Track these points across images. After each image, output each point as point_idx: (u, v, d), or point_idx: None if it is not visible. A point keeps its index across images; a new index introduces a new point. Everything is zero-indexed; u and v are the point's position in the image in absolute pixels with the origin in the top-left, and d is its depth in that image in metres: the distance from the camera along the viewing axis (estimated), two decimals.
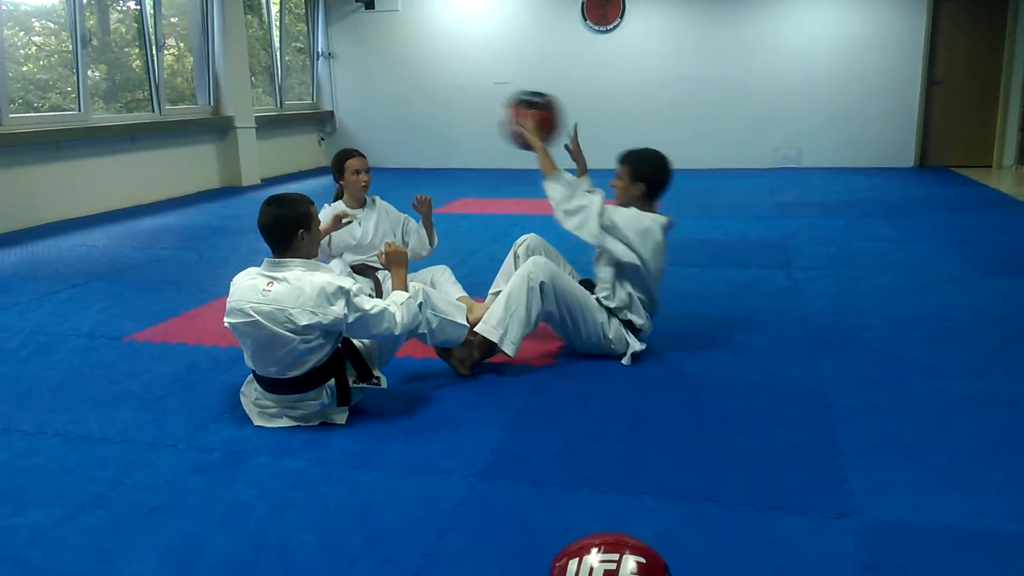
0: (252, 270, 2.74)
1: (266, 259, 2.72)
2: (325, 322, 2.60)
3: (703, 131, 10.27)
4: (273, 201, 2.73)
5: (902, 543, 2.00)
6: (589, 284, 3.41)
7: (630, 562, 1.55)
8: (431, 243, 3.98)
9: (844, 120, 9.95)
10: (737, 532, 2.07)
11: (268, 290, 2.63)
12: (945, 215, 6.63)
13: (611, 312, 3.26)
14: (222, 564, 1.97)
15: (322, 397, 2.71)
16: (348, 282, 2.67)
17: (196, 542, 2.06)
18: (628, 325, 3.27)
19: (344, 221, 3.64)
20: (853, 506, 2.17)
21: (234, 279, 2.76)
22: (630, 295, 3.25)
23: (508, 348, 3.11)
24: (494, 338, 3.10)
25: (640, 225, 3.19)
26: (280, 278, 2.64)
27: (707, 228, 6.27)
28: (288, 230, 2.68)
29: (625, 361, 3.24)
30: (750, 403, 2.88)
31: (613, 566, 1.55)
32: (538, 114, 3.36)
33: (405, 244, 3.96)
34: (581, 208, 3.19)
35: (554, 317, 3.23)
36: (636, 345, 3.26)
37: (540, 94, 3.48)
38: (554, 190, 3.25)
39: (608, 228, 3.17)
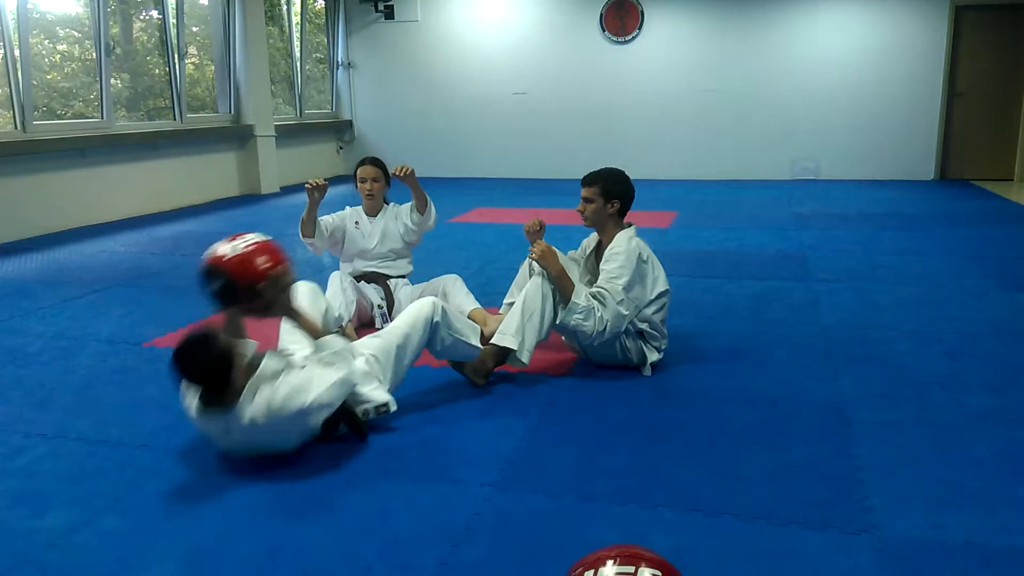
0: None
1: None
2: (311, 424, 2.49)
3: (722, 142, 10.25)
4: (183, 352, 2.39)
5: (922, 560, 1.98)
6: None
7: (646, 574, 1.54)
8: (423, 208, 3.90)
9: (864, 132, 9.90)
10: (754, 546, 2.05)
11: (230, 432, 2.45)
12: (965, 229, 6.57)
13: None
14: (239, 570, 1.98)
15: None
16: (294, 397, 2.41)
17: (214, 548, 2.07)
18: (642, 336, 3.26)
19: (306, 186, 3.69)
20: (872, 522, 2.15)
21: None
22: (650, 318, 3.23)
23: (524, 356, 3.11)
24: (513, 346, 3.10)
25: (634, 264, 3.14)
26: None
27: (725, 239, 6.25)
28: (220, 373, 2.39)
29: (646, 372, 3.23)
30: (768, 416, 2.87)
31: None
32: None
33: (411, 229, 3.93)
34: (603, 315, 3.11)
35: (568, 329, 3.22)
36: (653, 356, 3.25)
37: None
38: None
39: (624, 311, 3.12)
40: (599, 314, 3.09)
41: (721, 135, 10.26)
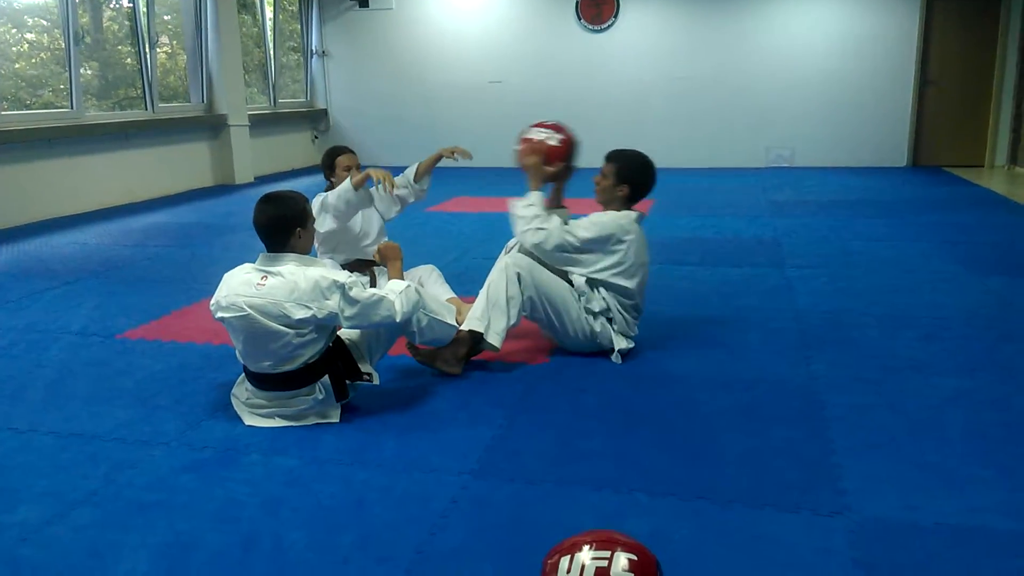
0: (246, 265, 2.74)
1: (260, 254, 2.72)
2: (320, 316, 2.60)
3: (697, 131, 10.28)
4: (270, 199, 2.74)
5: (894, 540, 2.00)
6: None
7: (621, 559, 1.55)
8: (421, 182, 3.98)
9: (837, 120, 9.97)
10: (729, 529, 2.07)
11: (262, 284, 2.63)
12: (937, 215, 6.65)
13: (593, 313, 3.26)
14: (214, 562, 1.97)
15: (315, 393, 2.71)
16: (343, 275, 2.67)
17: (188, 540, 2.06)
18: (609, 320, 3.27)
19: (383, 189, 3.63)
20: (846, 504, 2.17)
21: (225, 275, 2.75)
22: (605, 300, 3.24)
23: (493, 339, 3.11)
24: (480, 328, 3.11)
25: (604, 232, 3.19)
26: (275, 272, 2.64)
27: (700, 227, 6.28)
28: (284, 228, 2.69)
29: (615, 359, 3.24)
30: (743, 401, 2.89)
31: (605, 563, 1.55)
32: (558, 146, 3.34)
33: (401, 198, 3.96)
34: (543, 228, 3.18)
35: (538, 312, 3.22)
36: (622, 343, 3.26)
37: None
38: (525, 207, 3.24)
39: (566, 248, 3.18)
40: (540, 225, 3.16)
41: (697, 123, 10.30)
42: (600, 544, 1.59)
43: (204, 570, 1.93)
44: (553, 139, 3.35)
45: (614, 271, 3.21)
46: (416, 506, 2.21)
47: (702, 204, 7.41)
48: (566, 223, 3.26)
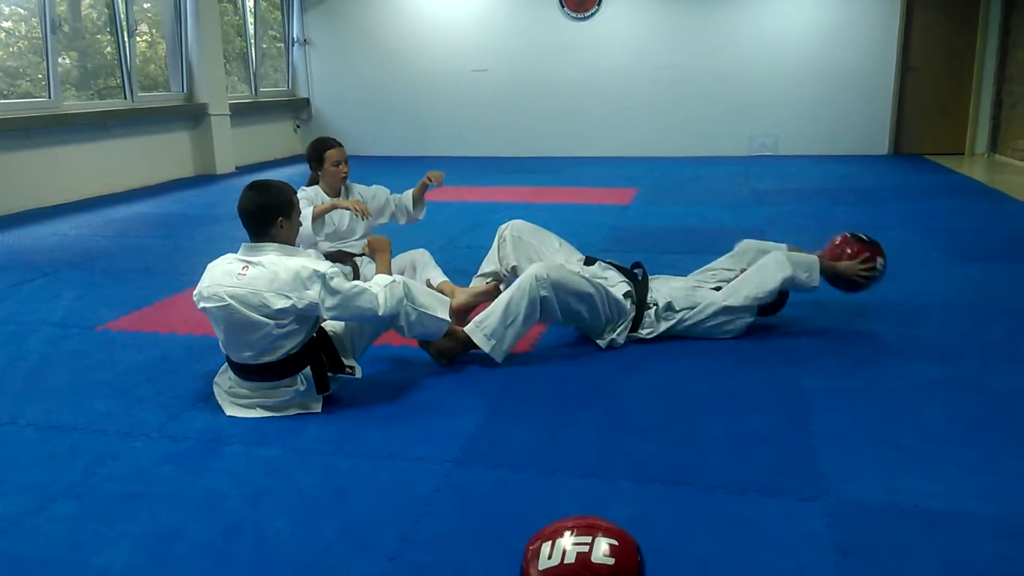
0: (229, 255, 2.72)
1: (243, 244, 2.70)
2: (300, 306, 2.59)
3: (680, 119, 10.29)
4: (256, 187, 2.73)
5: (873, 524, 2.02)
6: (590, 261, 3.50)
7: (602, 544, 1.56)
8: (419, 211, 4.07)
9: (820, 108, 10.01)
10: (711, 514, 2.09)
11: (243, 274, 2.61)
12: (918, 202, 6.69)
13: (634, 302, 3.29)
14: (196, 552, 1.96)
15: (297, 385, 2.70)
16: (325, 266, 2.66)
17: (170, 530, 2.05)
18: (636, 321, 3.29)
19: (352, 208, 3.64)
20: (825, 488, 2.19)
21: (209, 265, 2.73)
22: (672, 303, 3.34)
23: (497, 357, 3.07)
24: (485, 348, 3.05)
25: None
26: (255, 262, 2.63)
27: (684, 215, 6.29)
28: (268, 217, 2.67)
29: (602, 344, 3.25)
30: (724, 388, 2.90)
31: (586, 548, 1.55)
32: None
33: (393, 214, 4.00)
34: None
35: (555, 314, 3.16)
36: (619, 338, 3.27)
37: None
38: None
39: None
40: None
41: (680, 112, 10.31)
42: (581, 530, 1.60)
43: (186, 560, 1.93)
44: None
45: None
46: (399, 494, 2.21)
47: (685, 193, 7.42)
48: None
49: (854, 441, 2.46)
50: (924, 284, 4.20)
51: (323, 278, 2.60)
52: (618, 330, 3.26)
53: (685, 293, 3.38)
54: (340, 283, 2.65)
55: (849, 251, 3.41)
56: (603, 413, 2.73)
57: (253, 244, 2.69)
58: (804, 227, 5.73)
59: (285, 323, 2.61)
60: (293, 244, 2.79)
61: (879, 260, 3.40)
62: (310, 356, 2.70)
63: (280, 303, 2.57)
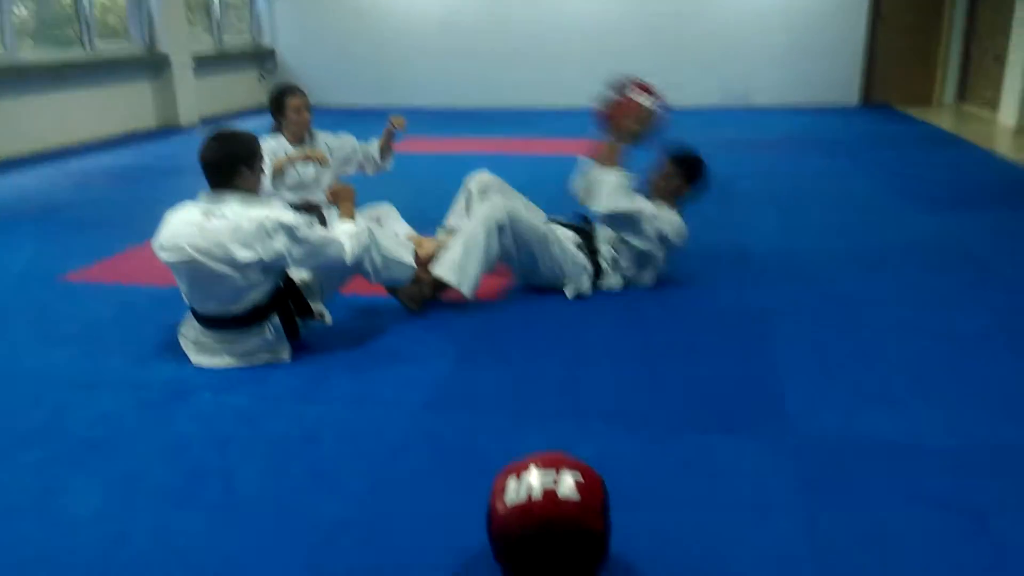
0: (188, 205, 2.67)
1: (203, 193, 2.65)
2: (266, 258, 2.55)
3: (650, 69, 10.08)
4: (219, 136, 2.66)
5: (835, 458, 2.07)
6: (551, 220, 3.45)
7: (568, 478, 1.58)
8: (386, 161, 4.00)
9: (790, 58, 9.98)
10: (676, 452, 2.12)
11: (205, 225, 2.56)
12: (886, 152, 6.74)
13: (590, 255, 3.29)
14: (164, 496, 1.95)
15: (265, 333, 2.67)
16: (289, 215, 2.62)
17: (137, 475, 2.04)
18: (598, 273, 3.29)
19: (312, 157, 3.57)
20: (789, 426, 2.23)
21: (167, 214, 2.68)
22: (618, 260, 3.32)
23: (467, 291, 3.09)
24: (452, 282, 3.07)
25: (676, 238, 3.32)
26: (218, 212, 2.58)
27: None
28: (231, 167, 2.61)
29: (569, 295, 3.26)
30: (693, 332, 2.93)
31: (552, 484, 1.57)
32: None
33: (360, 164, 3.93)
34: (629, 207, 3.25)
35: (512, 258, 3.19)
36: (584, 285, 3.28)
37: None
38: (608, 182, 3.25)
39: (654, 236, 3.27)
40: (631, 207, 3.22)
41: (650, 61, 10.16)
42: (547, 464, 1.62)
43: (154, 505, 1.92)
44: (651, 103, 3.39)
45: (654, 254, 3.32)
46: (369, 439, 2.22)
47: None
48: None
49: (818, 382, 2.51)
50: (891, 233, 4.25)
51: (289, 229, 2.57)
52: (583, 280, 3.27)
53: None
54: (306, 233, 2.62)
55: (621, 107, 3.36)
56: (571, 357, 2.74)
57: (214, 193, 2.64)
58: (773, 176, 5.76)
59: (251, 275, 2.58)
60: (256, 194, 2.74)
61: (645, 98, 3.39)
62: (277, 305, 2.67)
63: (245, 255, 2.53)
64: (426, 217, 4.24)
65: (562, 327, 3.00)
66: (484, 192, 3.48)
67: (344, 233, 2.75)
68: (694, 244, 4.00)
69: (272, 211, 2.61)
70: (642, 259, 3.34)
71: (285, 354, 2.72)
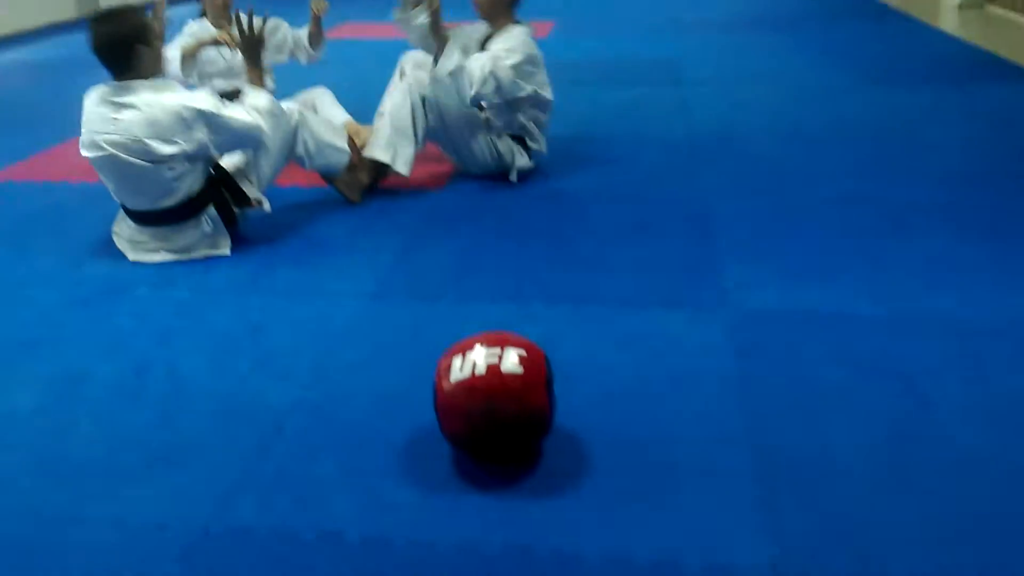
0: (96, 95, 2.52)
1: (106, 84, 2.51)
2: (189, 150, 2.46)
3: None
4: (102, 19, 2.51)
5: (769, 328, 2.13)
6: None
7: (512, 354, 1.60)
8: (318, 44, 3.77)
9: None
10: (618, 328, 2.16)
11: (118, 119, 2.43)
12: (830, 28, 6.68)
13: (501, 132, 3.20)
14: (107, 391, 1.94)
15: (202, 226, 2.61)
16: (204, 101, 2.50)
17: (78, 372, 2.02)
18: (521, 142, 3.23)
19: (220, 39, 3.39)
20: (726, 300, 2.29)
21: (85, 103, 2.55)
22: (520, 118, 3.18)
23: (402, 168, 3.05)
24: (385, 159, 3.03)
25: (529, 52, 3.06)
26: (128, 103, 2.44)
27: (600, 48, 6.16)
28: (125, 47, 2.46)
29: (512, 178, 3.23)
30: (636, 214, 2.94)
31: (496, 359, 1.60)
32: None
33: (292, 52, 3.76)
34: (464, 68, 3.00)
35: (440, 135, 3.15)
36: (523, 161, 3.24)
37: None
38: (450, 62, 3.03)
39: (514, 88, 3.04)
40: (471, 70, 2.96)
41: None
42: (492, 342, 1.64)
43: (97, 400, 1.91)
44: None
45: (543, 87, 3.15)
46: (315, 329, 2.22)
47: (604, 25, 7.23)
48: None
49: (756, 257, 2.56)
50: (836, 108, 4.26)
51: (208, 116, 2.47)
52: (515, 155, 3.22)
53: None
54: (226, 119, 2.52)
55: None
56: (517, 242, 2.75)
57: (120, 83, 2.49)
58: (720, 56, 5.69)
59: (176, 166, 2.49)
60: (160, 73, 2.60)
61: None
62: (211, 195, 2.60)
63: (167, 148, 2.43)
64: (366, 104, 4.12)
65: (506, 213, 2.99)
66: (418, 70, 3.39)
67: (257, 111, 2.63)
68: (640, 127, 4.00)
69: (186, 97, 2.49)
70: (541, 105, 3.20)
71: (225, 248, 2.67)
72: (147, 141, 2.42)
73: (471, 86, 2.96)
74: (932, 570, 1.36)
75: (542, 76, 3.16)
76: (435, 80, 3.05)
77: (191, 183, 2.55)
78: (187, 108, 2.44)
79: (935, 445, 1.66)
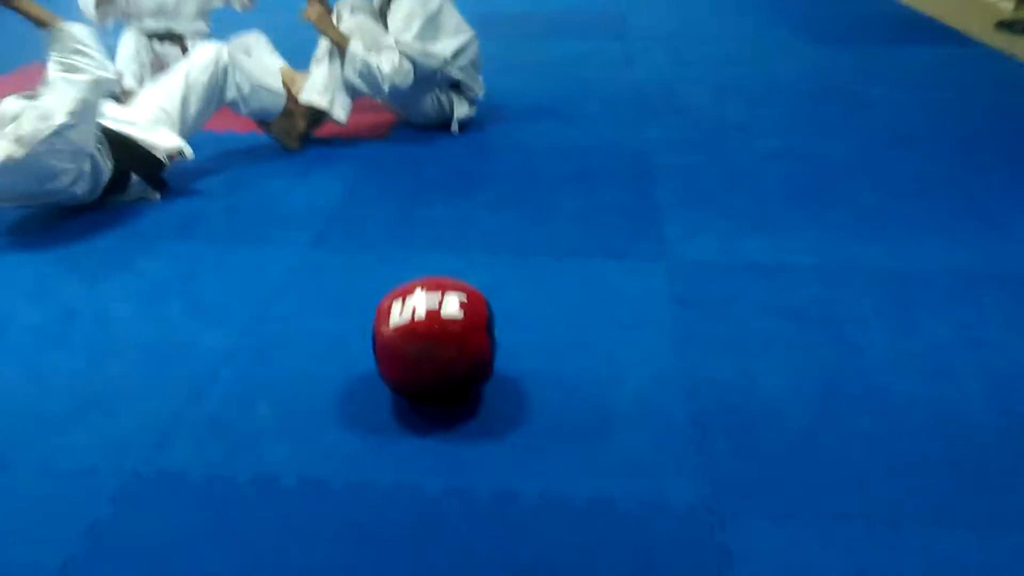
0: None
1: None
2: (84, 168, 2.31)
3: None
4: None
5: (708, 278, 2.16)
6: None
7: (452, 299, 1.59)
8: None
9: None
10: (561, 278, 2.17)
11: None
12: None
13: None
14: (34, 334, 1.88)
15: (129, 194, 2.51)
16: (58, 118, 2.21)
17: (3, 315, 1.95)
18: (456, 87, 3.18)
19: None
20: (666, 250, 2.31)
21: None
22: (453, 72, 3.12)
23: (340, 113, 2.99)
24: (323, 104, 2.96)
25: (427, 12, 2.98)
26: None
27: (548, 0, 6.08)
28: None
29: (454, 128, 3.19)
30: (578, 166, 2.94)
31: (436, 304, 1.59)
32: None
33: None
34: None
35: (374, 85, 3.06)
36: (463, 109, 3.20)
37: None
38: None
39: (426, 63, 2.98)
40: (378, 65, 2.92)
41: None
42: (432, 287, 1.62)
43: (23, 345, 1.85)
44: None
45: (463, 34, 3.08)
46: (251, 276, 2.17)
47: None
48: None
49: (696, 209, 2.58)
50: (777, 66, 4.29)
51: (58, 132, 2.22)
52: (455, 105, 3.17)
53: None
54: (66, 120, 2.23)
55: None
56: (458, 192, 2.72)
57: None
58: (667, 12, 5.66)
59: (71, 170, 2.31)
60: (52, 23, 2.34)
61: None
62: (123, 181, 2.47)
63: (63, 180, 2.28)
64: (305, 51, 4.01)
65: (448, 164, 2.95)
66: (353, 13, 3.30)
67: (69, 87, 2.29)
68: (584, 81, 3.97)
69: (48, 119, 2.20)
70: (464, 52, 3.11)
71: (155, 194, 2.58)
72: (40, 174, 2.25)
73: (384, 82, 2.93)
74: (858, 509, 1.42)
75: (450, 23, 3.06)
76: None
77: (101, 175, 2.40)
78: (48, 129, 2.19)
79: (864, 390, 1.72)
